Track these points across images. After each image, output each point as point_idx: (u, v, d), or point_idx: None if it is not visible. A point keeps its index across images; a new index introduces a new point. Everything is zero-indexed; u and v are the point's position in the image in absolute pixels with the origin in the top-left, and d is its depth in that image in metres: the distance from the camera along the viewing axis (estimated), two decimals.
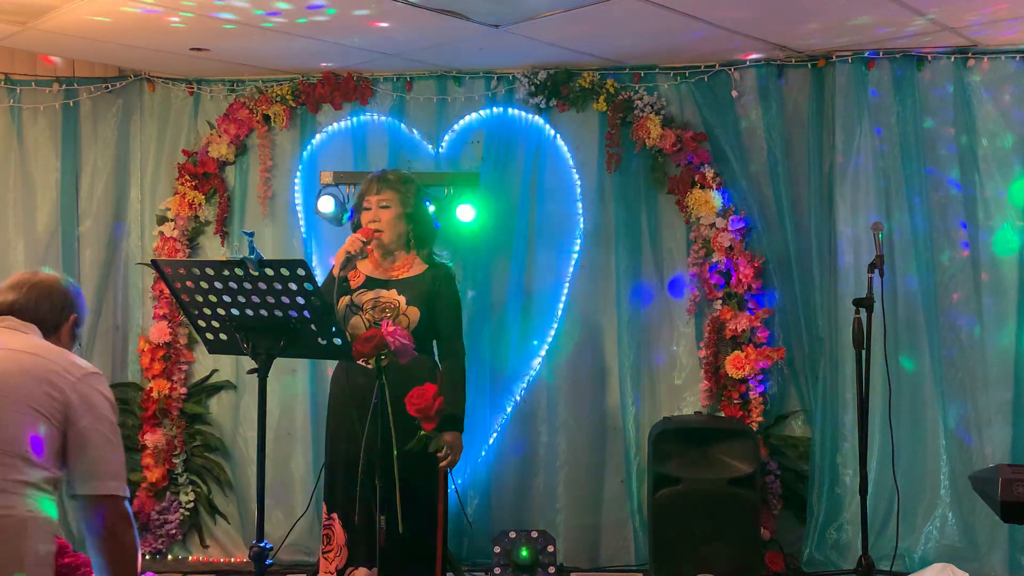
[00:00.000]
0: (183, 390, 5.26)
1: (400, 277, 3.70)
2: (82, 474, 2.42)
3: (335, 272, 3.58)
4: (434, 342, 3.75)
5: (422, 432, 3.19)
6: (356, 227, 3.78)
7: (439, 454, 3.47)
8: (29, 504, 2.33)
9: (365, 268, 3.72)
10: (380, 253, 3.74)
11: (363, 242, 3.58)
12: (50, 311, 2.67)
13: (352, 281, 3.68)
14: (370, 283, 3.69)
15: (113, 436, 2.47)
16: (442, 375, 3.67)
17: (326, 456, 3.74)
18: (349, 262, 3.57)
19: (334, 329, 2.90)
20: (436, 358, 3.75)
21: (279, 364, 3.41)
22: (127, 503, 2.48)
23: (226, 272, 2.79)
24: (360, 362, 3.41)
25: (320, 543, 3.72)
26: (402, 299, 3.64)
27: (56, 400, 2.40)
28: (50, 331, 2.67)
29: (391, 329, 3.11)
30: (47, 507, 2.38)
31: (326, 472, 3.71)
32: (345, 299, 3.64)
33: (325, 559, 3.67)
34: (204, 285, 2.84)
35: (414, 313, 3.62)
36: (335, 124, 5.27)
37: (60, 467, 2.41)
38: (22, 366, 2.44)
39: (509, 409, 5.17)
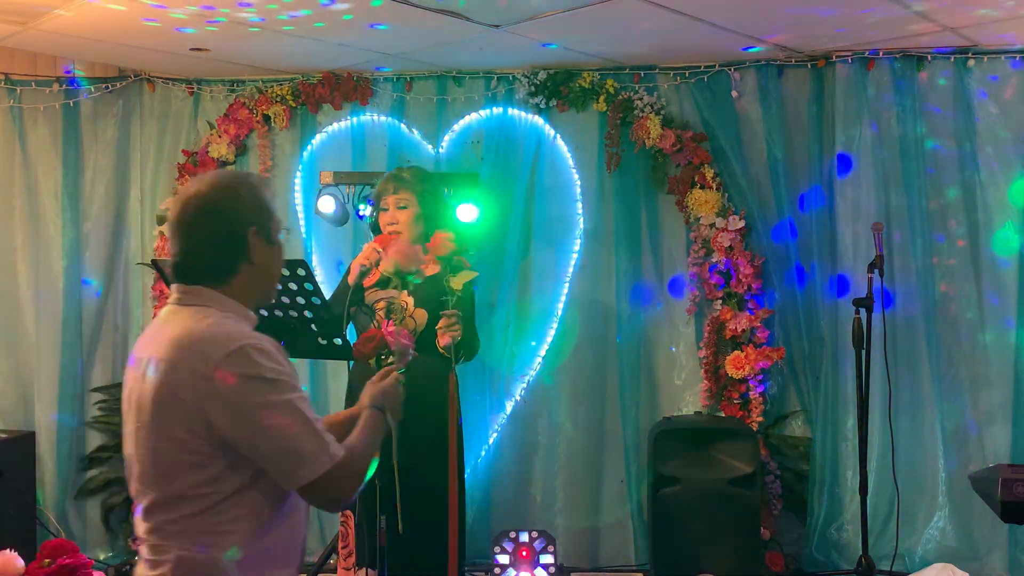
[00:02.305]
0: None
1: None
2: (272, 472, 1.85)
3: (350, 281, 3.49)
4: None
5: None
6: (374, 228, 3.73)
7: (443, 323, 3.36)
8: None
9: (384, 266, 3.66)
10: None
11: (379, 252, 3.48)
12: (210, 248, 1.83)
13: (367, 280, 3.61)
14: (384, 283, 3.64)
15: (281, 420, 1.79)
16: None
17: None
18: (363, 275, 3.46)
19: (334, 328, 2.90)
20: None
21: None
22: (333, 470, 1.86)
23: None
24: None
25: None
26: (411, 300, 3.61)
27: (195, 424, 1.78)
28: (223, 279, 1.86)
29: (391, 329, 3.10)
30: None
31: None
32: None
33: (341, 558, 3.67)
34: None
35: (421, 315, 3.55)
36: (335, 124, 5.27)
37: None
38: (156, 385, 1.79)
39: (509, 409, 5.17)
